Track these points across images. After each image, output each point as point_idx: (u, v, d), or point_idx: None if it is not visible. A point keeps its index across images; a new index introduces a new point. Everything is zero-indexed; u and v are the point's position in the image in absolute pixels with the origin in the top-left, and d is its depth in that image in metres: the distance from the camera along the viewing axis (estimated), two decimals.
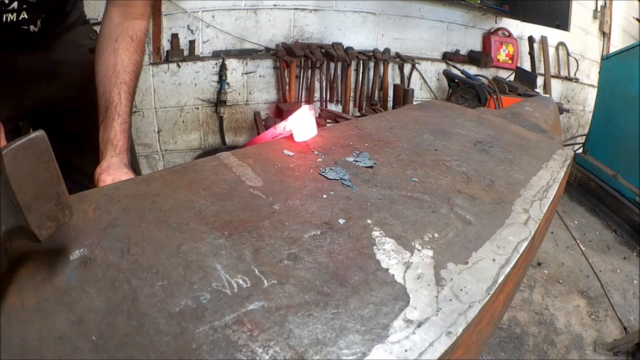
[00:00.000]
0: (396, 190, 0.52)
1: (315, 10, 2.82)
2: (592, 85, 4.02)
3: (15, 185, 0.29)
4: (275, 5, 2.67)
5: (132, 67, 0.76)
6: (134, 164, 0.82)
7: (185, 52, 2.45)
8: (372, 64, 3.04)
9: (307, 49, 2.72)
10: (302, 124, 0.62)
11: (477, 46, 3.60)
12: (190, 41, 2.45)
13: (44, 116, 0.95)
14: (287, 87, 2.73)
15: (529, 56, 3.80)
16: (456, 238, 0.44)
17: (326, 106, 2.91)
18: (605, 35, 4.19)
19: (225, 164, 0.54)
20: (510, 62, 3.63)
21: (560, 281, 2.01)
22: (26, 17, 0.78)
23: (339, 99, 2.96)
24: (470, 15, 3.46)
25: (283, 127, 0.64)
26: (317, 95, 2.88)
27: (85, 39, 0.95)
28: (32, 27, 0.81)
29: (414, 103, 2.85)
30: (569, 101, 4.22)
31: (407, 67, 3.22)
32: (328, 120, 2.55)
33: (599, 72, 3.10)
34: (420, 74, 3.31)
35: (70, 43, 0.92)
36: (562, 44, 4.01)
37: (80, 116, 0.88)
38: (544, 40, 3.85)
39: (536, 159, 0.67)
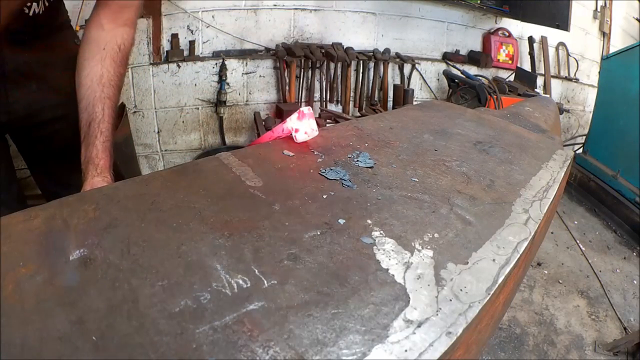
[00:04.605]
0: (396, 191, 0.52)
1: (315, 10, 2.82)
2: (592, 86, 4.02)
3: None
4: (275, 5, 2.67)
5: (116, 81, 0.74)
6: (133, 165, 0.80)
7: (185, 52, 2.45)
8: (372, 64, 3.03)
9: (307, 49, 2.72)
10: (301, 125, 0.62)
11: (477, 46, 3.60)
12: (190, 41, 2.45)
13: (31, 129, 0.91)
14: (287, 87, 2.73)
15: (529, 56, 3.80)
16: (456, 238, 0.44)
17: (326, 106, 2.91)
18: (605, 35, 4.18)
19: (225, 164, 0.54)
20: (510, 62, 3.63)
21: (560, 281, 2.01)
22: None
23: (339, 99, 2.96)
24: (470, 15, 3.46)
25: (282, 129, 0.64)
26: (317, 95, 2.87)
27: (71, 43, 0.90)
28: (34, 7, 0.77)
29: (414, 103, 2.85)
30: (569, 101, 4.22)
31: (407, 67, 3.22)
32: (328, 121, 2.55)
33: (599, 72, 3.10)
34: (420, 74, 3.31)
35: (58, 45, 0.88)
36: (562, 44, 4.01)
37: (70, 125, 0.84)
38: (544, 40, 3.85)
39: (536, 159, 0.67)
